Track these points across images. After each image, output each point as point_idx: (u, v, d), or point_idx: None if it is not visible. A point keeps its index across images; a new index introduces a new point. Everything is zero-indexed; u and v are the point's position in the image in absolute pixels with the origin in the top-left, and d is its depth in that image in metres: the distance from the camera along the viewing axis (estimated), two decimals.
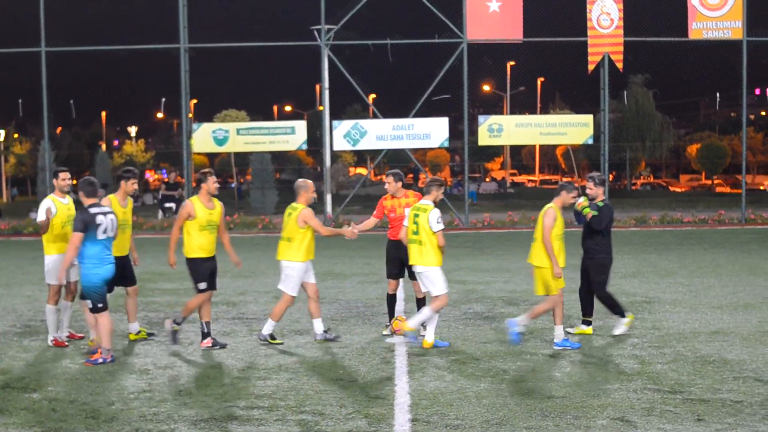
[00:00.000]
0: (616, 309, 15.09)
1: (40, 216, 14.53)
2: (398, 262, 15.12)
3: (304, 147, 40.66)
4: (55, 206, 14.57)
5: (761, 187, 77.15)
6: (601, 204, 14.96)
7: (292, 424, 10.22)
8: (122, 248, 14.74)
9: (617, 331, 15.00)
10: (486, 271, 23.35)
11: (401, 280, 15.47)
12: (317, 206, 39.41)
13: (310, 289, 14.93)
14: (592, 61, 37.72)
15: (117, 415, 10.62)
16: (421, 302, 15.11)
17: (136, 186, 15.20)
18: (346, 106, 78.02)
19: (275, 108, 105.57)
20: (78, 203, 13.67)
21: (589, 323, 15.31)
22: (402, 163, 64.35)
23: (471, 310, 17.47)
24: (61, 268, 13.60)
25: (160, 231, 37.54)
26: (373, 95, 70.25)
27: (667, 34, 38.78)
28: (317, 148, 46.08)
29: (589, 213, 14.86)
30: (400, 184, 15.19)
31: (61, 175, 14.90)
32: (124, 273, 14.75)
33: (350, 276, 22.74)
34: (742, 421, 10.14)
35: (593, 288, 15.06)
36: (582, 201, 15.02)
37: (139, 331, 15.13)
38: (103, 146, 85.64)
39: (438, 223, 14.08)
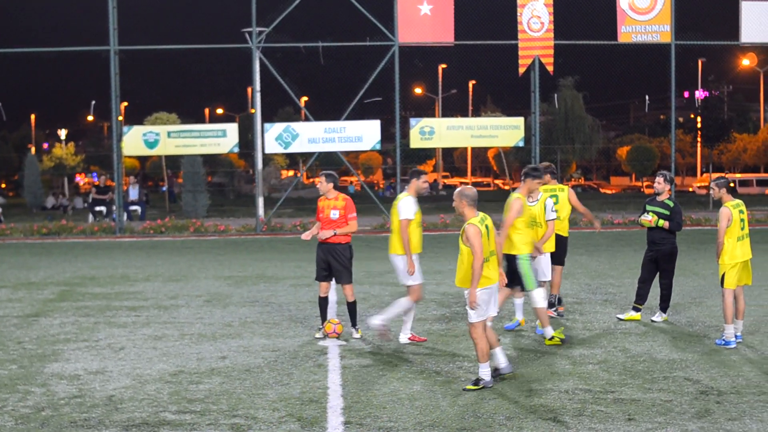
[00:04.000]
0: (668, 302, 16.41)
1: (409, 214, 14.53)
2: (327, 265, 15.14)
3: (236, 150, 40.46)
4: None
5: (690, 189, 77.99)
6: (671, 203, 16.13)
7: (224, 428, 10.18)
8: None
9: (655, 318, 16.31)
10: None
11: (330, 282, 15.45)
12: (250, 209, 39.32)
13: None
14: (523, 64, 37.91)
15: (47, 420, 10.52)
16: (351, 306, 15.24)
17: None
18: (278, 109, 77.80)
19: (206, 111, 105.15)
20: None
21: (639, 310, 16.42)
22: (334, 166, 64.26)
23: None
24: None
25: (90, 235, 37.20)
26: (305, 98, 70.10)
27: (596, 37, 39.07)
28: (249, 150, 46.00)
29: (664, 224, 16.01)
30: (331, 185, 15.20)
31: (423, 177, 14.93)
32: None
33: (282, 279, 22.67)
34: (671, 420, 10.25)
35: (665, 275, 16.34)
36: (650, 219, 16.10)
37: (552, 337, 14.61)
38: (33, 149, 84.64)
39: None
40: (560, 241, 16.51)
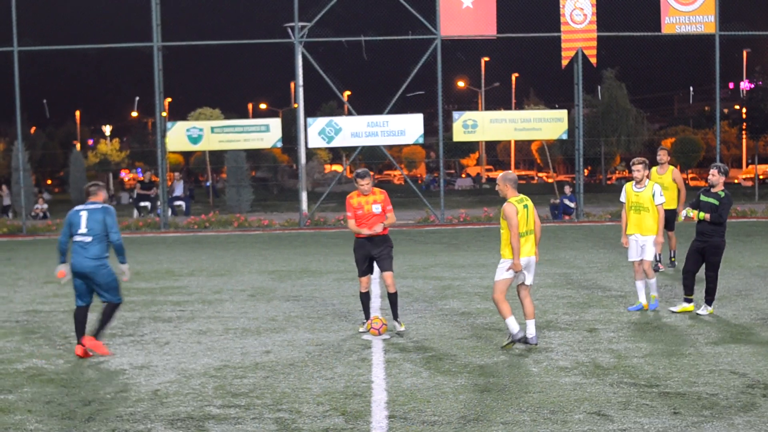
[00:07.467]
0: (713, 294, 16.30)
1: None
2: (367, 259, 15.14)
3: (279, 145, 40.62)
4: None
5: (735, 181, 77.42)
6: (722, 194, 16.17)
7: (269, 422, 10.21)
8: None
9: (701, 311, 16.23)
10: (462, 267, 23.36)
11: (370, 276, 15.45)
12: (294, 204, 39.34)
13: None
14: (566, 56, 37.75)
15: (94, 415, 10.59)
16: (392, 297, 15.21)
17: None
18: (321, 103, 77.88)
19: (250, 106, 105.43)
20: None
21: (690, 301, 16.48)
22: (377, 160, 64.27)
23: (447, 306, 17.48)
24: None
25: (134, 230, 37.44)
26: (347, 92, 70.08)
27: (640, 28, 38.84)
28: (292, 145, 46.02)
29: (705, 216, 16.08)
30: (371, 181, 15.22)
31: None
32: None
33: (326, 273, 22.71)
34: (717, 414, 10.18)
35: (710, 267, 16.27)
36: (692, 215, 16.38)
37: None
38: (78, 146, 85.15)
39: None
40: (671, 212, 19.70)
